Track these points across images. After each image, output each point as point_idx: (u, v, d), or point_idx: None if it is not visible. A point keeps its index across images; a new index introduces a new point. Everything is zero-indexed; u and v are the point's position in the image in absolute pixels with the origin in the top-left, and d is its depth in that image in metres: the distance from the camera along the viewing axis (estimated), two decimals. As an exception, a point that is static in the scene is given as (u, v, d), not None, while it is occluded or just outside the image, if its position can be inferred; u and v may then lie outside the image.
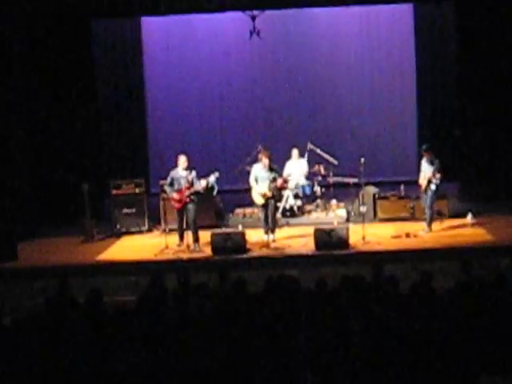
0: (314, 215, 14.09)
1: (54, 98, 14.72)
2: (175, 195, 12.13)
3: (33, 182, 14.54)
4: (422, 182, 12.47)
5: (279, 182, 12.25)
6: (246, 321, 6.45)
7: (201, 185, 12.08)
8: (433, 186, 12.32)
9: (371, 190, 14.01)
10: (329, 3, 14.90)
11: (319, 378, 5.53)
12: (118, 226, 13.79)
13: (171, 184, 12.20)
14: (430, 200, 12.45)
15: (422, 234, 12.49)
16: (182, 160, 12.19)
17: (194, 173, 12.18)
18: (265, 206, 12.42)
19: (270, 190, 12.24)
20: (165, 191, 12.45)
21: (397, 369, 5.56)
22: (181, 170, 12.18)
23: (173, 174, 12.24)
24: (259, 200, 12.41)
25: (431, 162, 12.38)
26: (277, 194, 12.63)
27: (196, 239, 12.22)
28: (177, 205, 12.18)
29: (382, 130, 16.86)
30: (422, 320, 6.19)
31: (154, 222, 13.95)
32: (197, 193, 12.15)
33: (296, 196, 14.01)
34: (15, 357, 5.97)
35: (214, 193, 13.79)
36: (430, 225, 12.57)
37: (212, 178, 12.18)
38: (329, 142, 15.66)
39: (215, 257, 11.84)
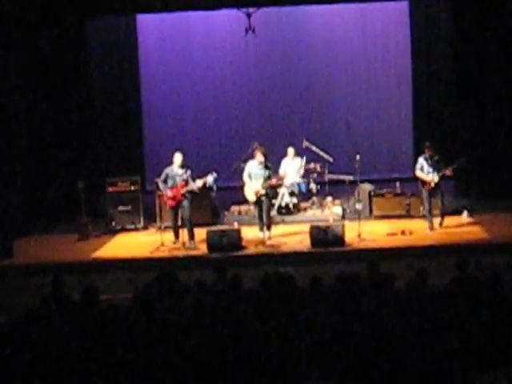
0: (309, 212, 14.08)
1: (49, 96, 14.68)
2: (169, 193, 12.06)
3: (28, 179, 14.50)
4: (433, 179, 12.26)
5: (273, 180, 12.25)
6: (242, 317, 6.45)
7: (196, 184, 12.01)
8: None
9: (367, 187, 14.01)
10: (324, 0, 14.89)
11: (315, 374, 5.53)
12: (113, 224, 13.79)
13: (165, 181, 12.14)
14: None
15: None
16: (178, 157, 12.12)
17: (189, 172, 12.12)
18: (258, 203, 12.41)
19: (263, 187, 12.22)
20: (159, 188, 12.42)
21: (392, 366, 5.57)
22: (176, 168, 12.11)
23: (167, 170, 12.17)
24: (251, 197, 12.38)
25: (436, 160, 12.32)
26: (271, 192, 12.63)
27: (191, 236, 12.20)
28: (170, 202, 12.12)
29: (378, 127, 16.86)
30: (418, 317, 6.20)
31: (150, 220, 13.93)
32: (191, 192, 12.13)
33: (291, 193, 13.99)
34: (10, 355, 5.96)
35: (213, 193, 13.79)
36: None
37: (210, 179, 12.03)
38: (324, 140, 15.67)
39: (211, 254, 11.84)
